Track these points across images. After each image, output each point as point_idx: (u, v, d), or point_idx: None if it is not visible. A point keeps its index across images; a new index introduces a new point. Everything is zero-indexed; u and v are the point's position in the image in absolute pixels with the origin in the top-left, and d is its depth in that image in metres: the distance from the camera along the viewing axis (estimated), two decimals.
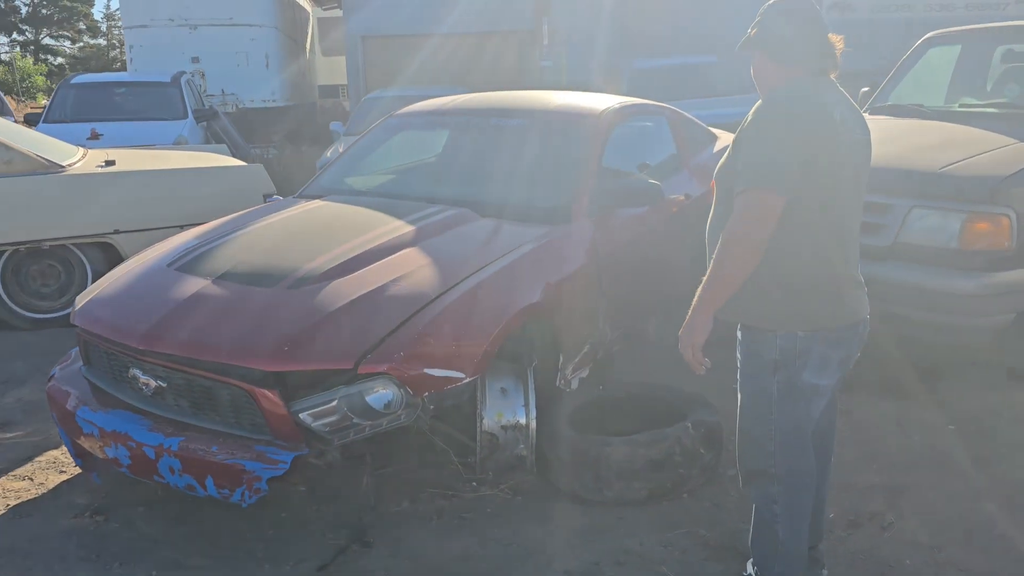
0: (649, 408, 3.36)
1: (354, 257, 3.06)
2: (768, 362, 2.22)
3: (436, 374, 2.72)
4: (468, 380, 2.79)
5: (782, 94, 2.15)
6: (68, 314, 3.33)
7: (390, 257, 3.11)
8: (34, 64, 37.71)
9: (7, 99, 16.17)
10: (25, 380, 4.36)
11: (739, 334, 2.33)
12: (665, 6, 12.33)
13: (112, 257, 5.14)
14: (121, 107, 9.68)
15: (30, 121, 9.66)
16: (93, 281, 4.68)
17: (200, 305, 2.86)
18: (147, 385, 2.82)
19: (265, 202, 4.70)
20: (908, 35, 5.53)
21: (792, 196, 2.06)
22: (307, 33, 17.54)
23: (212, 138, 9.80)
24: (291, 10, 15.41)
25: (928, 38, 5.27)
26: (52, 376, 3.25)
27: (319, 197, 4.02)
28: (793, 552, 2.36)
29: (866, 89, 5.36)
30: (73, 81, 10.27)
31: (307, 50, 17.45)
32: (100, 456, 2.91)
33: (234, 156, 7.39)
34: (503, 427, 3.03)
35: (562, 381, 3.41)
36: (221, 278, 2.99)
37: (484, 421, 3.00)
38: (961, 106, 4.81)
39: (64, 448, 3.35)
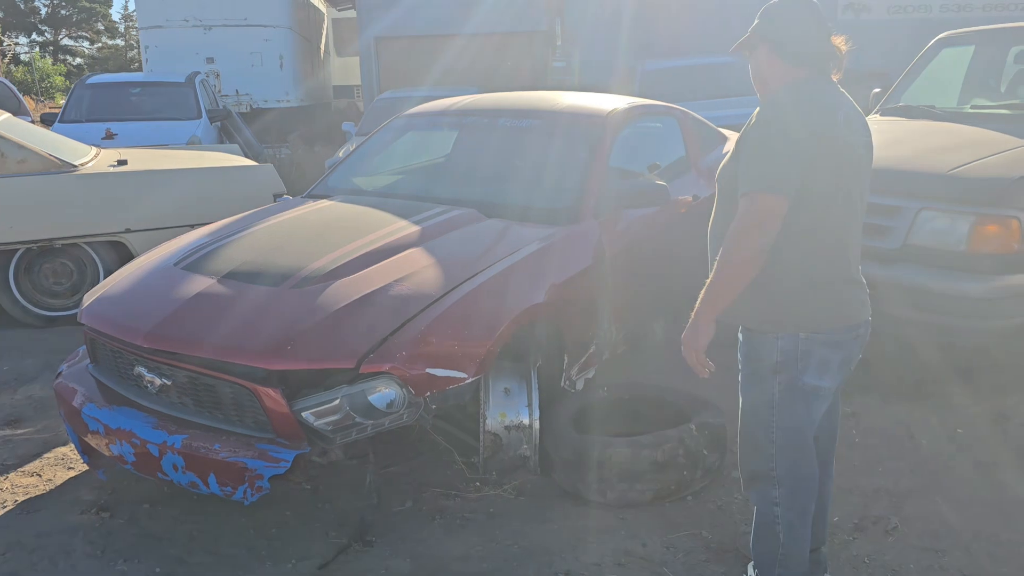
0: (654, 410, 3.35)
1: (358, 257, 3.07)
2: (769, 364, 2.21)
3: (438, 374, 2.73)
4: (470, 380, 2.80)
5: (785, 95, 2.14)
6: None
7: (394, 257, 3.11)
8: (53, 64, 38.04)
9: (25, 99, 16.35)
10: (36, 377, 4.40)
11: (740, 336, 2.32)
12: (680, 6, 12.31)
13: (124, 256, 5.19)
14: (136, 107, 9.74)
15: (46, 121, 9.76)
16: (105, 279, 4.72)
17: (205, 304, 2.88)
18: (152, 383, 2.84)
19: (275, 202, 4.74)
20: (924, 36, 5.46)
21: (795, 199, 2.04)
22: (322, 34, 17.61)
23: (226, 138, 9.86)
24: (306, 11, 15.47)
25: (941, 39, 5.22)
26: (60, 373, 3.28)
27: (326, 197, 4.04)
28: (794, 555, 2.35)
29: (878, 90, 5.32)
30: (89, 81, 10.35)
31: (322, 51, 17.51)
32: (105, 453, 2.93)
33: (246, 156, 7.44)
34: (506, 427, 3.03)
35: (567, 382, 3.41)
36: (226, 277, 3.01)
37: (487, 421, 3.01)
38: (973, 107, 4.77)
39: (72, 445, 3.38)
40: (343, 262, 3.03)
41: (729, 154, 2.26)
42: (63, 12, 42.49)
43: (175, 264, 3.20)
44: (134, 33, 39.81)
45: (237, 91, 13.26)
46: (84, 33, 43.81)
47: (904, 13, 12.89)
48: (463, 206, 3.63)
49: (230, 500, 2.71)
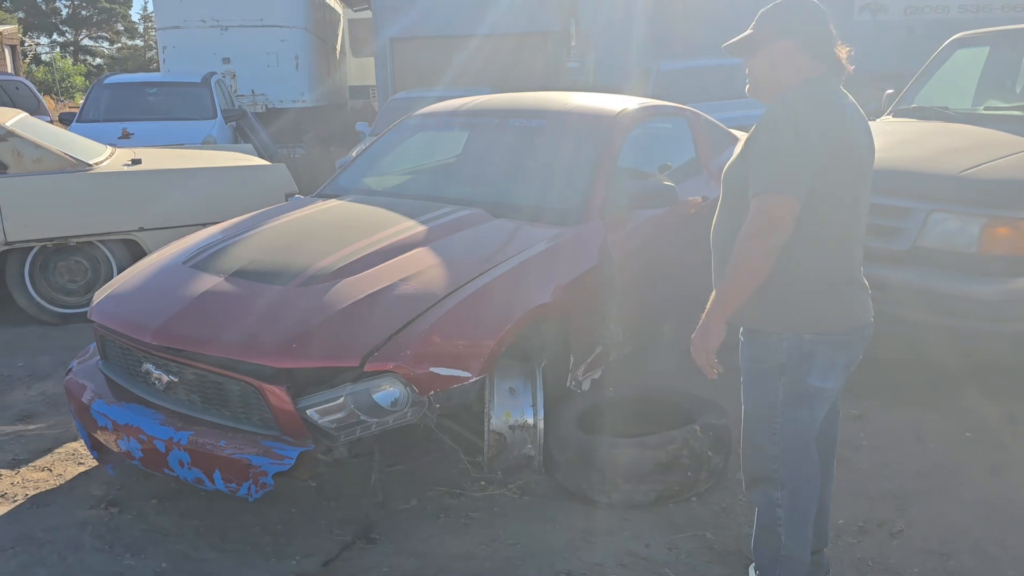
0: (659, 411, 3.34)
1: (365, 256, 3.09)
2: (774, 366, 2.20)
3: (442, 373, 2.74)
4: (474, 379, 2.80)
5: (797, 96, 2.11)
6: None
7: (401, 256, 3.13)
8: (73, 64, 38.44)
9: (45, 99, 16.52)
10: (50, 374, 4.45)
11: (742, 338, 2.31)
12: (694, 7, 12.28)
13: (137, 254, 5.24)
14: (152, 107, 9.83)
15: (64, 120, 9.87)
16: None
17: (212, 302, 2.91)
18: (160, 380, 2.87)
19: (286, 201, 4.77)
20: (942, 37, 5.41)
21: (805, 200, 2.04)
22: (337, 34, 17.68)
23: (241, 138, 9.93)
24: (321, 11, 15.54)
25: (955, 39, 5.18)
26: (70, 370, 3.32)
27: (336, 197, 4.07)
28: (796, 557, 2.34)
29: (891, 91, 5.29)
30: (106, 81, 10.45)
31: (337, 51, 17.59)
32: (114, 449, 2.97)
33: (261, 156, 7.49)
34: (511, 427, 3.04)
35: (573, 382, 3.41)
36: (234, 275, 3.04)
37: (492, 420, 3.01)
38: (987, 109, 4.73)
39: (82, 440, 3.42)
40: (350, 261, 3.05)
41: (736, 153, 2.25)
42: (84, 13, 42.95)
43: (184, 262, 3.23)
44: (153, 34, 40.16)
45: (253, 91, 13.34)
46: (104, 33, 44.25)
47: (921, 14, 12.78)
48: (471, 206, 3.63)
49: (235, 496, 2.73)
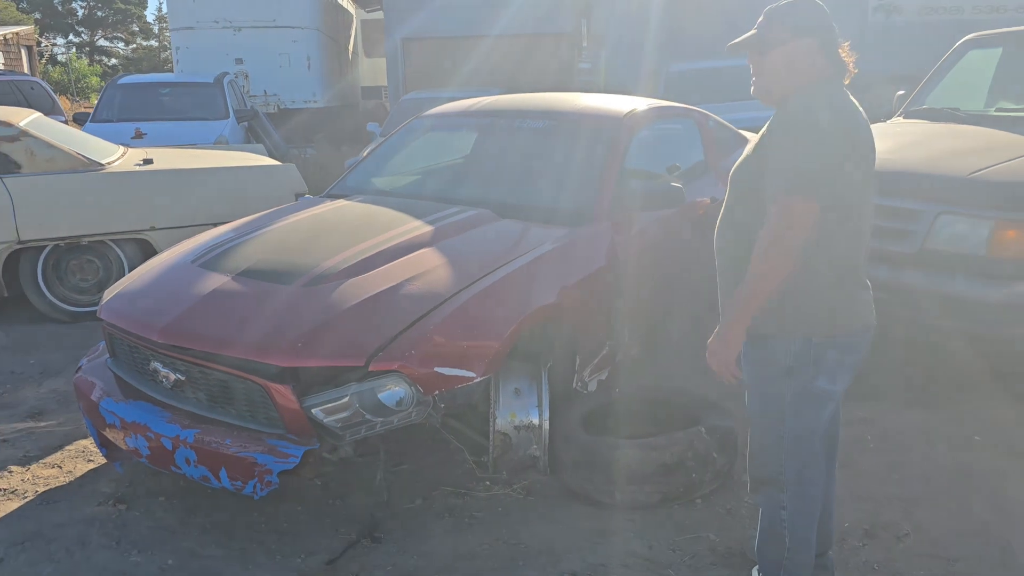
0: (665, 412, 3.34)
1: (371, 256, 3.11)
2: (782, 368, 2.19)
3: (447, 373, 2.75)
4: (479, 380, 2.81)
5: (813, 97, 2.09)
6: None
7: (407, 256, 3.14)
8: (89, 65, 38.72)
9: (61, 99, 16.65)
10: (61, 371, 4.49)
11: (747, 340, 2.29)
12: (707, 8, 12.24)
13: (149, 253, 5.28)
14: (165, 107, 9.89)
15: (78, 120, 9.94)
16: None
17: (219, 301, 2.93)
18: (167, 378, 2.90)
19: (296, 201, 4.79)
20: (956, 38, 5.36)
21: (824, 202, 2.02)
22: (350, 35, 17.73)
23: (253, 138, 9.98)
24: (334, 12, 15.59)
25: (967, 40, 5.15)
26: (80, 367, 3.35)
27: (344, 197, 4.09)
28: (800, 559, 2.33)
29: (901, 92, 5.26)
30: (120, 82, 10.53)
31: (350, 52, 17.64)
32: (122, 446, 2.99)
33: (272, 156, 7.53)
34: (516, 427, 3.05)
35: (579, 383, 3.41)
36: (241, 275, 3.06)
37: (497, 421, 3.02)
38: (998, 110, 4.70)
39: (92, 438, 3.44)
40: (356, 261, 3.07)
41: (746, 153, 2.24)
42: (99, 13, 43.26)
43: (192, 261, 3.25)
44: (167, 34, 40.44)
45: (265, 92, 13.40)
46: (119, 34, 44.55)
47: (935, 15, 12.68)
48: (479, 207, 3.64)
49: (241, 494, 2.75)
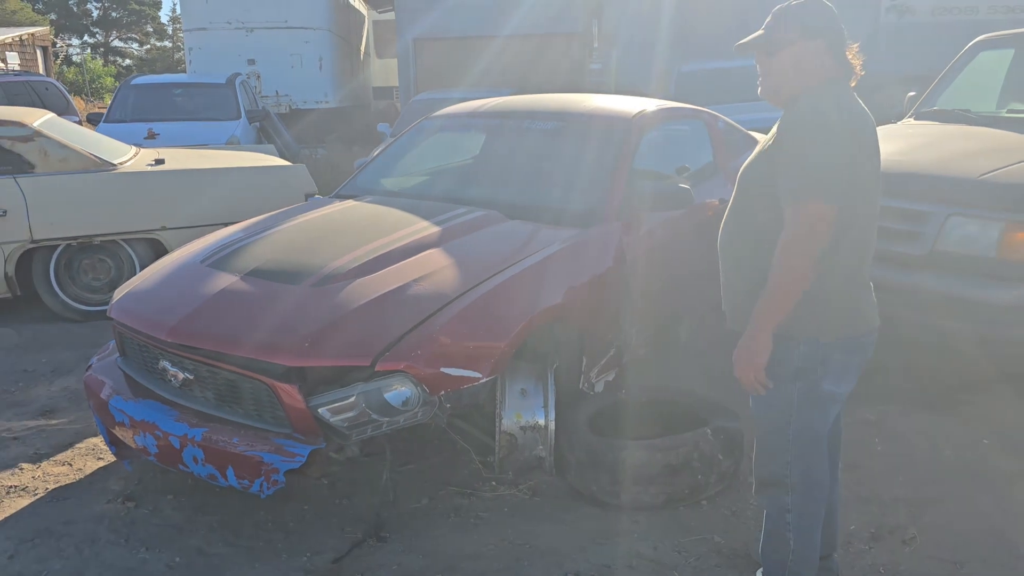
0: (672, 413, 3.34)
1: (379, 256, 3.12)
2: (788, 371, 2.18)
3: (453, 373, 2.76)
4: (485, 380, 2.82)
5: (822, 99, 2.08)
6: None
7: (414, 257, 3.15)
8: (103, 66, 39.01)
9: (76, 99, 16.77)
10: (72, 370, 4.53)
11: None
12: (718, 8, 12.20)
13: (160, 252, 5.32)
14: (178, 107, 9.95)
15: (92, 120, 10.01)
16: None
17: (227, 300, 2.95)
18: (175, 377, 2.92)
19: (306, 201, 4.82)
20: (971, 39, 5.32)
21: (838, 203, 2.01)
22: (362, 36, 17.78)
23: (264, 138, 10.02)
24: (346, 13, 15.64)
25: (978, 41, 5.12)
26: (90, 366, 3.38)
27: (353, 197, 4.10)
28: (805, 562, 2.33)
29: (912, 94, 5.24)
30: (133, 82, 10.60)
31: (362, 52, 17.69)
32: (131, 444, 3.02)
33: (283, 156, 7.56)
34: (522, 428, 3.05)
35: (586, 384, 3.42)
36: (249, 275, 3.08)
37: (503, 421, 3.03)
38: (1010, 112, 4.67)
39: (102, 436, 3.47)
40: (364, 261, 3.08)
41: (755, 154, 2.23)
42: (114, 14, 43.58)
43: (201, 261, 3.28)
44: (181, 35, 40.67)
45: (277, 92, 13.46)
46: (133, 35, 44.87)
47: (949, 15, 12.59)
48: (487, 207, 3.65)
49: (248, 493, 2.77)
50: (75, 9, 42.07)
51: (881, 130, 4.56)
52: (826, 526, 2.40)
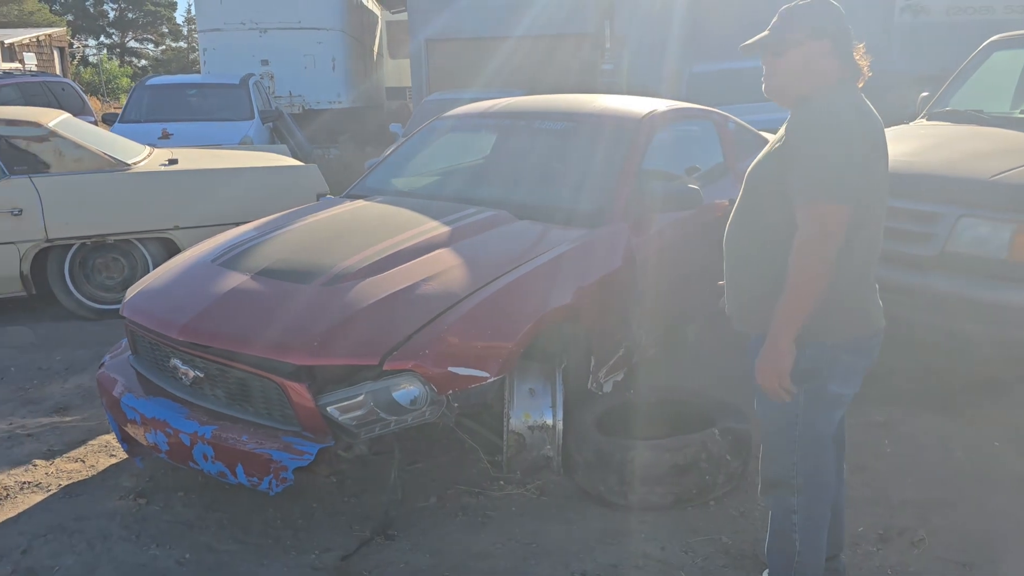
0: (680, 413, 3.34)
1: (388, 256, 3.14)
2: (796, 373, 2.16)
3: (461, 372, 2.77)
4: (493, 379, 2.83)
5: (834, 99, 2.07)
6: None
7: (423, 256, 3.17)
8: (119, 66, 39.30)
9: (92, 99, 16.91)
10: (86, 367, 4.57)
11: (757, 342, 2.29)
12: (730, 9, 12.17)
13: (173, 252, 5.36)
14: (192, 108, 10.02)
15: (107, 121, 10.09)
16: None
17: (238, 299, 2.97)
18: (186, 375, 2.95)
19: (317, 201, 4.84)
20: (987, 38, 5.28)
21: (851, 204, 2.00)
22: (375, 36, 17.84)
23: (277, 138, 10.07)
24: (359, 14, 15.69)
25: (992, 42, 5.08)
26: (103, 364, 3.41)
27: (363, 197, 4.12)
28: (810, 563, 2.33)
29: (925, 94, 5.21)
30: (148, 83, 10.68)
31: (375, 53, 17.74)
32: (142, 442, 3.04)
33: (296, 156, 7.60)
34: (530, 427, 3.06)
35: (594, 384, 3.42)
36: (260, 274, 3.10)
37: (511, 421, 3.04)
38: (1023, 112, 4.64)
39: (114, 433, 3.51)
40: (373, 261, 3.10)
41: (763, 154, 2.23)
42: (130, 15, 43.91)
43: (212, 260, 3.30)
44: (196, 36, 40.92)
45: (290, 92, 13.52)
46: (149, 36, 45.20)
47: (964, 15, 12.49)
48: (497, 207, 3.66)
49: (257, 490, 2.79)
50: (92, 10, 42.42)
51: (893, 131, 4.56)
52: (832, 527, 2.40)
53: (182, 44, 46.02)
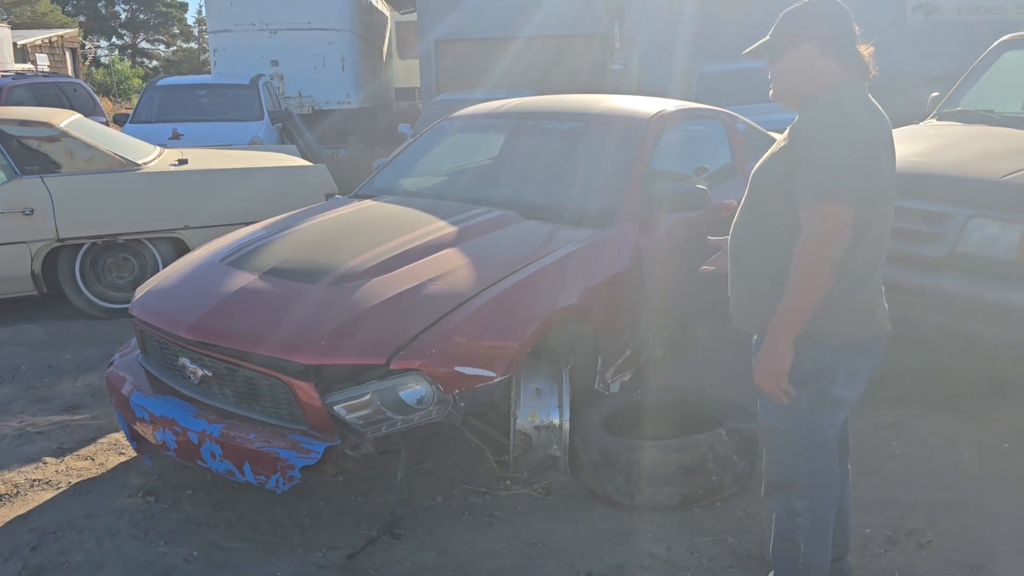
0: (688, 414, 3.33)
1: (395, 255, 3.14)
2: (798, 375, 2.15)
3: (467, 372, 2.77)
4: (499, 379, 2.83)
5: (839, 101, 2.07)
6: None
7: (431, 256, 3.17)
8: (131, 67, 39.50)
9: (103, 100, 17.00)
10: (96, 366, 4.60)
11: (758, 346, 2.28)
12: (740, 10, 12.14)
13: (183, 251, 5.38)
14: (202, 108, 10.07)
15: (118, 121, 10.16)
16: None
17: (246, 299, 2.99)
18: (195, 374, 2.96)
19: (326, 201, 4.86)
20: (999, 38, 5.24)
21: (859, 205, 2.00)
22: (384, 37, 17.87)
23: (287, 139, 10.11)
24: (368, 14, 15.72)
25: (1003, 42, 5.05)
26: (112, 363, 3.43)
27: (371, 197, 4.14)
28: (815, 565, 2.32)
29: (936, 94, 5.18)
30: (158, 84, 10.74)
31: (384, 54, 17.78)
32: (151, 440, 3.06)
33: (305, 156, 7.62)
34: (536, 427, 3.06)
35: (601, 384, 3.42)
36: (268, 273, 3.11)
37: (518, 420, 3.04)
38: None
39: (123, 431, 3.53)
40: (380, 260, 3.11)
41: (769, 154, 2.22)
42: (141, 16, 44.13)
43: (221, 260, 3.32)
44: (207, 37, 41.09)
45: (300, 93, 13.55)
46: (160, 37, 45.42)
47: (977, 14, 12.41)
48: (505, 207, 3.67)
49: (265, 489, 2.80)
50: (103, 11, 42.66)
51: (903, 130, 4.54)
52: (838, 529, 2.39)
53: (193, 45, 46.21)
